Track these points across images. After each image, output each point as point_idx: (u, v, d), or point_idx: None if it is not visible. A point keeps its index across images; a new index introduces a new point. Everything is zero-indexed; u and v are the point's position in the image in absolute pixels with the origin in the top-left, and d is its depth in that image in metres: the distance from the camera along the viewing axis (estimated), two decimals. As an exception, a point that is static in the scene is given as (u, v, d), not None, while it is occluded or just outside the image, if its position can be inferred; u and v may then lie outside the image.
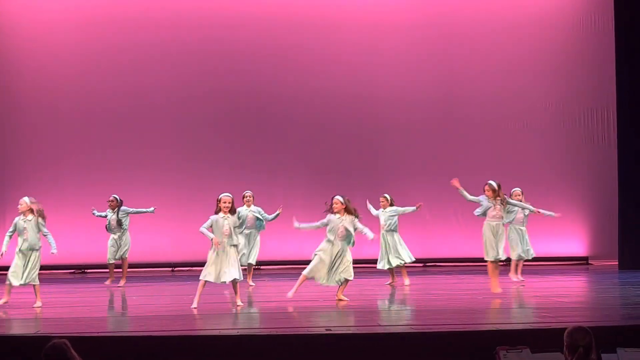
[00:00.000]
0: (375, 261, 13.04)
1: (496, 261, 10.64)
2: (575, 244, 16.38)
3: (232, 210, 9.74)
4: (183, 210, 15.09)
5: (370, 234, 10.00)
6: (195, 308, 9.45)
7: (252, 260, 12.51)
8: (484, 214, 10.65)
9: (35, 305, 9.84)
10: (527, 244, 12.58)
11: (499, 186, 10.69)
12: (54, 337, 4.70)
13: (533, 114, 16.47)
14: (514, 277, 12.35)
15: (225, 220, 9.61)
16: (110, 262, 12.81)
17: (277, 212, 12.48)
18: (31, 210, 10.17)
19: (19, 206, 10.31)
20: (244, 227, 12.19)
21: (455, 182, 10.67)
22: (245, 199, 12.47)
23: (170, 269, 15.66)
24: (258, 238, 12.55)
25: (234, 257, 9.74)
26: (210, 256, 9.62)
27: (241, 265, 12.23)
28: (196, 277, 10.00)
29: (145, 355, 6.90)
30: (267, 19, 16.10)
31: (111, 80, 15.82)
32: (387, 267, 12.40)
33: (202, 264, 10.00)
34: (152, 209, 12.96)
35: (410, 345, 7.11)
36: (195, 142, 15.97)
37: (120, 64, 15.88)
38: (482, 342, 6.70)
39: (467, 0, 16.57)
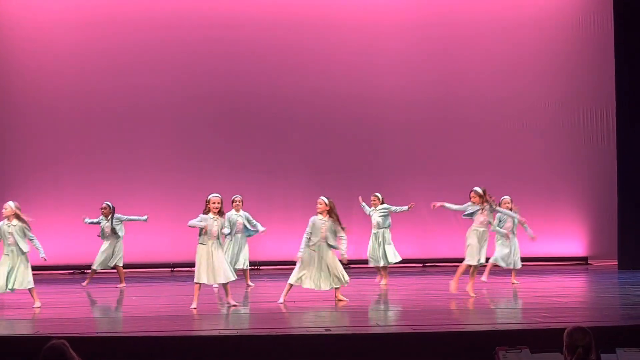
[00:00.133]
0: (368, 261, 13.07)
1: (477, 266, 10.56)
2: (574, 244, 16.38)
3: (221, 212, 9.70)
4: (183, 210, 15.01)
5: (343, 251, 9.91)
6: (194, 308, 9.45)
7: (245, 265, 12.46)
8: (472, 214, 10.58)
9: (34, 306, 9.83)
10: (516, 254, 12.44)
11: (484, 192, 10.64)
12: (53, 338, 4.69)
13: (533, 114, 16.47)
14: (484, 277, 12.19)
15: (214, 221, 9.59)
16: (97, 269, 12.65)
17: (262, 229, 12.42)
18: (16, 215, 10.00)
19: (4, 210, 10.01)
20: (233, 231, 12.18)
21: (435, 204, 10.65)
22: (234, 203, 12.40)
23: (170, 269, 15.66)
24: (246, 242, 12.50)
25: (223, 258, 9.75)
26: (200, 257, 9.56)
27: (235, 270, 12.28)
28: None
29: (145, 355, 6.90)
30: (267, 19, 16.09)
31: (111, 80, 15.81)
32: (388, 263, 12.40)
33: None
34: (145, 217, 12.84)
35: (409, 345, 7.11)
36: (194, 142, 15.96)
37: (119, 64, 15.87)
38: (482, 342, 6.70)
39: (467, 0, 16.57)
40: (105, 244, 12.62)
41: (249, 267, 12.55)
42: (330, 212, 9.94)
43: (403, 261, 15.39)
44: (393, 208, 12.52)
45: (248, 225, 12.46)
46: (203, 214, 9.60)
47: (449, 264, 16.09)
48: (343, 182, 15.93)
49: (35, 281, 13.83)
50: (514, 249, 12.33)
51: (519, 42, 16.46)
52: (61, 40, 15.80)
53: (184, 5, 16.07)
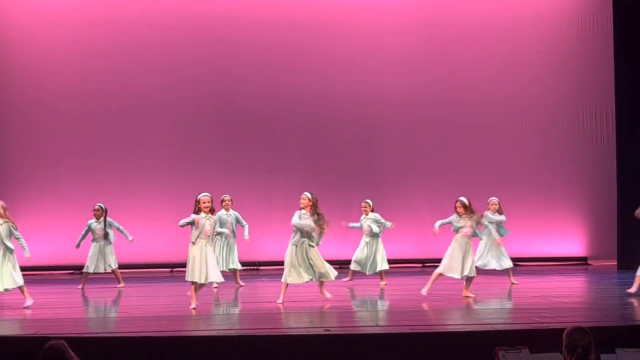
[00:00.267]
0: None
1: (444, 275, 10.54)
2: (574, 244, 16.38)
3: (212, 210, 9.73)
4: (182, 210, 14.96)
5: (319, 241, 9.99)
6: (194, 309, 9.45)
7: (236, 265, 12.46)
8: (458, 229, 10.55)
9: (25, 305, 9.82)
10: (503, 254, 12.40)
11: (469, 203, 10.63)
12: (53, 338, 4.69)
13: (532, 114, 16.47)
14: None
15: (207, 221, 9.60)
16: (89, 272, 12.54)
17: (246, 237, 12.46)
18: (2, 215, 10.01)
19: None
20: (224, 231, 12.16)
21: (435, 230, 10.64)
22: (224, 202, 12.37)
23: (169, 269, 15.66)
24: (235, 242, 12.49)
25: (214, 257, 9.78)
26: (194, 256, 9.56)
27: (226, 270, 12.29)
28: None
29: (145, 355, 6.90)
30: (266, 20, 16.08)
31: (111, 80, 15.80)
32: (375, 271, 12.45)
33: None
34: (131, 238, 12.77)
35: (409, 345, 7.11)
36: (194, 142, 15.96)
37: (119, 64, 15.86)
38: (481, 343, 6.71)
39: (467, 0, 16.57)
40: (95, 247, 12.52)
41: (240, 268, 12.55)
42: (314, 207, 9.94)
43: (403, 261, 15.46)
44: (380, 220, 12.49)
45: (240, 222, 12.49)
46: (194, 214, 9.61)
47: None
48: (343, 182, 15.94)
49: (35, 281, 13.90)
50: (501, 251, 12.30)
51: (518, 43, 16.46)
52: (61, 40, 15.79)
53: (183, 5, 16.06)
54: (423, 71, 16.34)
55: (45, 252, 15.06)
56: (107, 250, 12.55)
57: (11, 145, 15.68)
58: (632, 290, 10.37)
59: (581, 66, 16.48)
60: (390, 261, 15.13)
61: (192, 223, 9.54)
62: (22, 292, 9.99)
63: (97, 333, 7.76)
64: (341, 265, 12.88)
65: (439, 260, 16.48)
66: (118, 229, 12.70)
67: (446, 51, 16.36)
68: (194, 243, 9.57)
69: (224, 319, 9.14)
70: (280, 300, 9.92)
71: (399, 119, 16.23)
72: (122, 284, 12.63)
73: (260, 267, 15.37)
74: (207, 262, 9.56)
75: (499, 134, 16.43)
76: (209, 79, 16.01)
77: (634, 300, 10.04)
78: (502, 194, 16.20)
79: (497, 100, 16.39)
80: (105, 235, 12.51)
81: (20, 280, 9.97)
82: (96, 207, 12.66)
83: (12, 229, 10.05)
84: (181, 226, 9.62)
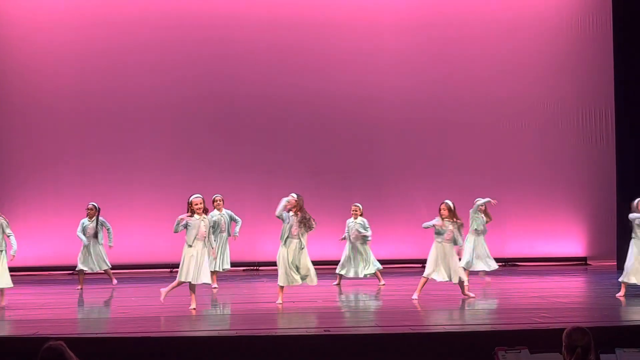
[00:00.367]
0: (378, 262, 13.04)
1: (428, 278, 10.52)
2: (573, 244, 16.38)
3: (206, 211, 9.76)
4: (182, 211, 15.01)
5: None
6: (194, 309, 9.45)
7: (227, 265, 12.44)
8: (440, 234, 10.53)
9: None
10: (487, 255, 12.37)
11: (454, 208, 10.61)
12: (51, 339, 4.69)
13: (532, 114, 16.47)
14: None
15: (202, 222, 9.60)
16: (84, 271, 12.53)
17: (236, 234, 12.44)
18: None
19: None
20: (218, 231, 12.15)
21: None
22: (215, 203, 12.33)
23: (169, 269, 15.64)
24: (228, 243, 12.46)
25: (207, 260, 9.79)
26: (190, 257, 9.54)
27: (220, 270, 12.27)
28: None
29: (144, 356, 6.90)
30: (266, 20, 16.08)
31: (111, 81, 15.79)
32: (361, 275, 12.44)
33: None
34: (111, 244, 12.69)
35: (408, 346, 7.11)
36: (194, 143, 15.95)
37: (119, 64, 15.85)
38: (481, 343, 6.70)
39: (467, 2, 16.57)
40: (89, 246, 12.50)
41: (229, 268, 12.53)
42: (299, 208, 9.94)
43: (402, 261, 15.46)
44: (367, 226, 12.48)
45: (234, 219, 12.49)
46: (188, 216, 9.61)
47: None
48: (343, 182, 15.94)
49: (35, 282, 13.91)
50: (486, 251, 12.27)
51: (518, 43, 16.45)
52: (60, 40, 15.78)
53: (183, 5, 16.05)
54: (423, 71, 16.34)
55: (44, 253, 15.06)
56: (97, 250, 12.54)
57: (11, 145, 15.67)
58: (621, 293, 10.38)
59: (581, 66, 16.48)
60: (390, 261, 15.18)
61: (185, 226, 9.54)
62: (2, 293, 10.04)
63: (96, 333, 7.76)
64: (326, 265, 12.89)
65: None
66: (108, 230, 12.69)
67: (446, 51, 16.36)
68: (191, 245, 9.55)
69: (224, 320, 9.13)
70: (279, 301, 9.92)
71: (398, 119, 16.23)
72: (114, 281, 12.66)
73: (260, 267, 15.36)
74: (202, 263, 9.56)
75: (499, 134, 16.42)
76: (209, 79, 16.00)
77: (632, 301, 10.04)
78: (501, 194, 16.23)
79: (497, 100, 16.39)
80: (95, 235, 12.50)
81: (7, 284, 10.01)
82: (90, 206, 12.66)
83: (4, 226, 10.07)
84: (176, 232, 9.63)
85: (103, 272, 12.81)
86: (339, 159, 16.13)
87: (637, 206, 10.54)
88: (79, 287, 12.42)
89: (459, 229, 10.55)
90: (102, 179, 15.52)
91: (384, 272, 12.78)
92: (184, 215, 9.58)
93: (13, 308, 10.02)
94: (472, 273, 12.35)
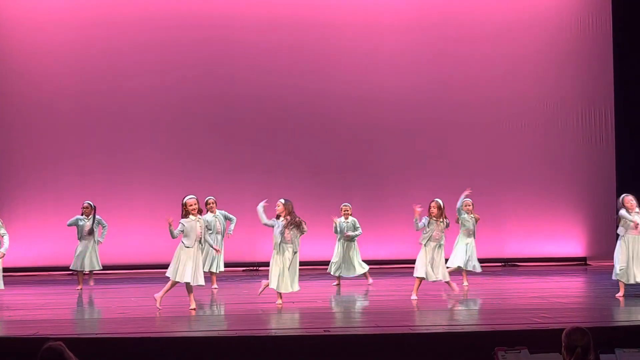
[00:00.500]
0: (378, 262, 13.05)
1: (421, 278, 10.51)
2: (573, 244, 16.38)
3: (200, 211, 9.77)
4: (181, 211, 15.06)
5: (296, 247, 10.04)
6: (193, 309, 9.45)
7: (221, 267, 12.42)
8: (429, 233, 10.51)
9: None
10: (473, 259, 12.34)
11: (444, 207, 10.61)
12: (52, 339, 4.69)
13: (532, 114, 16.47)
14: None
15: (197, 223, 9.60)
16: (79, 270, 12.50)
17: (230, 231, 12.44)
18: None
19: None
20: (214, 233, 12.15)
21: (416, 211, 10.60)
22: (208, 206, 12.30)
23: (169, 270, 15.64)
24: (222, 243, 12.44)
25: (201, 261, 9.79)
26: (186, 258, 9.51)
27: (215, 272, 12.26)
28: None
29: (144, 356, 6.90)
30: (266, 20, 16.08)
31: (110, 81, 15.78)
32: (352, 275, 12.47)
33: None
34: (102, 240, 12.66)
35: (408, 346, 7.11)
36: (194, 143, 15.95)
37: (119, 65, 15.85)
38: (481, 343, 6.70)
39: (467, 1, 16.57)
40: (82, 245, 12.49)
41: (222, 270, 12.50)
42: (289, 213, 9.92)
43: (402, 261, 15.45)
44: (357, 226, 12.51)
45: (229, 218, 12.49)
46: (182, 217, 9.59)
47: (447, 265, 16.12)
48: (343, 182, 15.94)
49: (34, 282, 13.91)
50: (473, 252, 12.24)
51: (518, 43, 16.46)
52: (60, 40, 15.78)
53: (183, 6, 16.05)
54: (423, 71, 16.35)
55: (44, 253, 15.07)
56: (94, 250, 12.53)
57: (11, 146, 15.67)
58: (620, 293, 10.37)
59: (581, 66, 16.49)
60: (389, 261, 15.19)
61: (182, 229, 9.53)
62: None
63: (96, 334, 7.75)
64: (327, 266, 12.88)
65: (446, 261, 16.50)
66: (103, 227, 12.68)
67: (446, 51, 16.36)
68: (187, 246, 9.53)
69: (224, 320, 9.13)
70: (279, 302, 9.92)
71: (399, 119, 16.23)
72: (91, 283, 12.59)
73: (260, 268, 15.35)
74: (198, 265, 9.56)
75: (498, 134, 16.43)
76: (208, 79, 16.00)
77: (631, 301, 10.04)
78: (501, 194, 16.27)
79: (497, 101, 16.39)
80: (90, 232, 12.48)
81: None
82: (85, 204, 12.65)
83: None
84: (175, 238, 9.62)
85: (88, 272, 12.74)
86: (339, 159, 16.13)
87: (622, 202, 10.51)
88: (79, 287, 12.42)
89: (445, 227, 10.56)
90: (102, 179, 15.52)
91: (383, 272, 12.79)
92: (186, 226, 9.52)
93: (13, 308, 10.02)
94: (469, 273, 12.31)
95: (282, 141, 16.10)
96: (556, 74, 16.48)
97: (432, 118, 16.30)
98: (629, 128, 15.60)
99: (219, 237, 12.29)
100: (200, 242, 9.63)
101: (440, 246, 10.55)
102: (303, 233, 10.00)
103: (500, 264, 16.08)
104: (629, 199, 10.47)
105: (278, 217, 9.99)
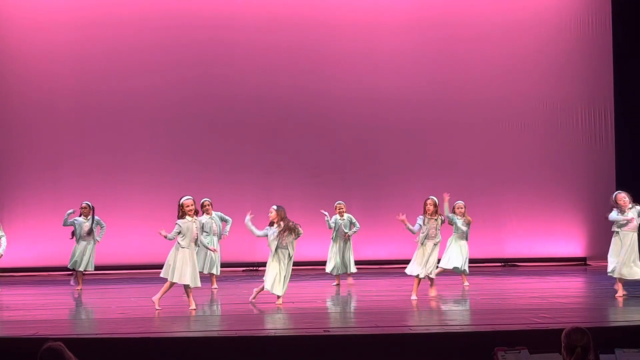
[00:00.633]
0: (377, 262, 12.99)
1: (420, 277, 10.51)
2: (573, 244, 16.38)
3: (197, 212, 9.78)
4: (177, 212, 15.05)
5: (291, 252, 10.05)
6: (194, 309, 9.45)
7: (218, 269, 12.41)
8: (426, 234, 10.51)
9: None
10: (467, 261, 12.33)
11: (438, 203, 10.62)
12: (51, 339, 4.68)
13: (532, 114, 16.48)
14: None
15: (193, 224, 9.60)
16: (78, 270, 12.48)
17: (226, 232, 12.44)
18: None
19: None
20: (211, 234, 12.14)
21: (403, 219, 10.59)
22: (204, 207, 12.28)
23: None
24: (219, 245, 12.42)
25: (196, 262, 9.80)
26: (183, 260, 9.49)
27: (216, 273, 12.25)
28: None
29: (143, 357, 6.89)
30: (265, 20, 16.09)
31: (110, 81, 15.79)
32: (341, 272, 12.47)
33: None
34: (99, 239, 12.63)
35: (408, 346, 7.11)
36: (193, 143, 15.95)
37: (118, 65, 15.85)
38: (481, 343, 6.70)
39: (467, 2, 16.57)
40: (81, 245, 12.47)
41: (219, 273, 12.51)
42: (282, 218, 9.92)
43: (402, 262, 15.44)
44: (354, 221, 12.56)
45: (224, 219, 12.48)
46: (178, 218, 9.59)
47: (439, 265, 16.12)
48: (342, 182, 15.94)
49: (34, 282, 13.90)
50: (465, 255, 12.23)
51: (518, 43, 16.46)
52: (59, 41, 15.78)
53: (182, 6, 16.05)
54: (423, 72, 16.35)
55: (44, 253, 15.06)
56: (92, 250, 12.51)
57: (10, 146, 15.67)
58: (619, 293, 10.37)
59: (581, 66, 16.49)
60: (389, 262, 15.19)
61: (179, 231, 9.53)
62: None
63: (95, 334, 7.75)
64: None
65: (438, 261, 16.51)
66: (102, 227, 12.66)
67: (446, 52, 16.37)
68: (183, 247, 9.53)
69: (223, 320, 9.13)
70: (279, 302, 9.93)
71: (398, 119, 16.23)
72: (78, 286, 12.56)
73: (260, 268, 15.35)
74: (193, 265, 9.57)
75: (498, 134, 16.43)
76: (208, 79, 16.01)
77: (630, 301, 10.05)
78: (501, 194, 16.27)
79: (497, 101, 16.40)
80: (90, 232, 12.47)
81: None
82: (83, 205, 12.64)
83: None
84: (173, 239, 9.60)
85: (85, 272, 12.72)
86: (339, 159, 16.14)
87: (615, 199, 10.52)
88: (79, 287, 12.42)
89: (440, 224, 10.58)
90: (102, 179, 15.52)
91: (383, 273, 12.80)
92: (182, 227, 9.52)
93: (13, 309, 10.01)
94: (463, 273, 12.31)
95: (282, 141, 16.10)
96: (556, 74, 16.48)
97: (432, 118, 16.30)
98: (629, 128, 15.59)
99: (215, 238, 12.28)
100: (195, 243, 9.63)
101: (436, 244, 10.55)
102: (298, 236, 10.01)
103: (500, 264, 16.09)
104: (621, 196, 10.51)
105: (272, 223, 9.97)
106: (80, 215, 12.57)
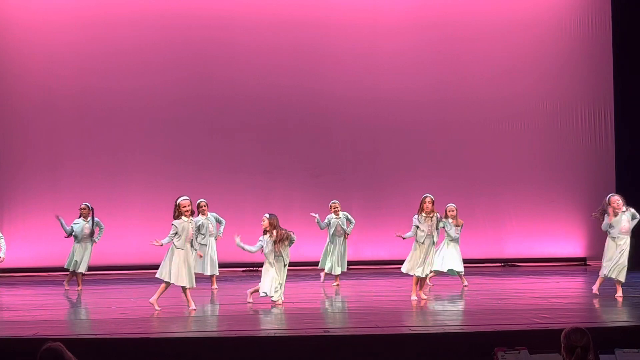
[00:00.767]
0: (377, 262, 12.93)
1: (420, 276, 10.51)
2: (573, 245, 16.38)
3: (193, 213, 9.78)
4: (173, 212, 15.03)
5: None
6: (193, 310, 9.45)
7: (216, 269, 12.40)
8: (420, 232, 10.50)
9: None
10: (460, 262, 12.31)
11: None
12: (51, 340, 4.68)
13: (531, 115, 16.48)
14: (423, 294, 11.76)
15: (189, 224, 9.60)
16: (78, 271, 12.47)
17: (220, 234, 12.44)
18: None
19: None
20: (207, 235, 12.14)
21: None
22: (200, 208, 12.26)
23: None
24: (214, 246, 12.41)
25: (193, 263, 9.80)
26: (179, 261, 9.50)
27: (215, 274, 12.26)
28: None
29: (144, 357, 6.89)
30: (265, 21, 16.08)
31: (110, 82, 15.78)
32: (339, 272, 12.48)
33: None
34: (97, 240, 12.63)
35: (408, 346, 7.10)
36: (193, 143, 15.95)
37: (118, 65, 15.85)
38: (481, 343, 6.70)
39: (467, 2, 16.57)
40: (80, 246, 12.44)
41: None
42: (274, 227, 9.91)
43: (402, 262, 15.43)
44: (350, 217, 12.62)
45: (219, 221, 12.49)
46: (174, 218, 9.58)
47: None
48: (343, 182, 15.93)
49: (34, 283, 13.90)
50: (459, 255, 12.22)
51: (518, 44, 16.46)
52: (58, 41, 15.78)
53: (182, 6, 16.05)
54: (423, 72, 16.35)
55: (43, 253, 15.05)
56: (89, 252, 12.49)
57: (10, 146, 15.67)
58: (619, 293, 10.37)
59: (581, 66, 16.49)
60: (389, 262, 15.18)
61: (175, 233, 9.52)
62: None
63: (95, 334, 7.75)
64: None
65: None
66: (100, 228, 12.65)
67: (446, 52, 16.37)
68: (180, 248, 9.52)
69: (223, 320, 9.13)
70: (279, 302, 9.93)
71: (398, 119, 16.24)
72: (67, 287, 12.53)
73: (259, 268, 15.34)
74: (190, 266, 9.57)
75: (499, 134, 16.44)
76: (208, 79, 16.01)
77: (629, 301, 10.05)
78: (501, 194, 16.26)
79: (497, 101, 16.40)
80: (91, 234, 12.47)
81: None
82: (83, 206, 12.62)
83: None
84: (167, 243, 9.57)
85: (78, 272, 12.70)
86: (339, 160, 16.14)
87: (609, 202, 10.53)
88: (79, 288, 12.42)
89: (438, 223, 10.58)
90: (101, 180, 15.52)
91: (383, 273, 12.80)
92: (178, 229, 9.52)
93: (12, 309, 10.01)
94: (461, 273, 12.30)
95: (282, 142, 16.10)
96: (556, 74, 16.48)
97: (432, 118, 16.30)
98: (629, 128, 15.58)
99: (212, 239, 12.28)
100: (191, 243, 9.64)
101: (433, 243, 10.55)
102: (292, 243, 10.02)
103: (500, 264, 16.08)
104: (615, 199, 10.54)
105: (265, 232, 9.97)
106: (79, 217, 12.56)
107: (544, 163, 16.42)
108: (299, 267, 13.82)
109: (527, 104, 16.44)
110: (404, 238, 10.59)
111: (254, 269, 15.42)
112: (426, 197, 10.59)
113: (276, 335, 7.55)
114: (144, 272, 15.26)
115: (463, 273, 12.18)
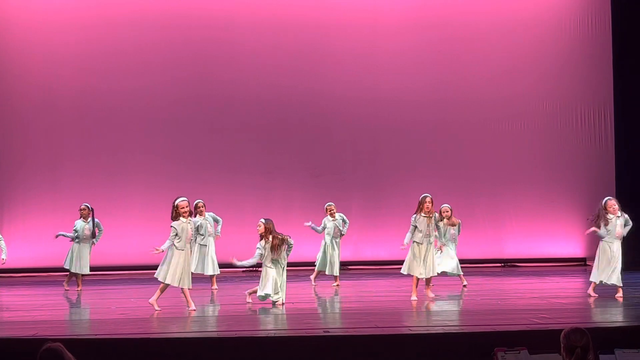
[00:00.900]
0: (377, 262, 12.90)
1: (420, 277, 10.52)
2: (572, 245, 16.37)
3: (191, 213, 9.78)
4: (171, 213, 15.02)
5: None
6: (193, 310, 9.45)
7: (217, 269, 12.39)
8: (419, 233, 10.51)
9: None
10: (454, 263, 12.29)
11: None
12: (51, 340, 4.68)
13: (531, 115, 16.47)
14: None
15: (188, 225, 9.60)
16: (78, 272, 12.46)
17: (218, 233, 12.44)
18: None
19: None
20: (206, 235, 12.14)
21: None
22: (197, 209, 12.25)
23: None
24: (213, 246, 12.40)
25: (191, 263, 9.82)
26: (178, 261, 9.50)
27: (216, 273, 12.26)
28: (194, 279, 10.02)
29: (143, 357, 6.89)
30: (265, 21, 16.08)
31: (109, 82, 15.78)
32: (336, 273, 12.51)
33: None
34: (96, 242, 12.64)
35: (408, 346, 7.10)
36: (192, 144, 15.94)
37: (118, 66, 15.84)
38: (480, 343, 6.70)
39: (467, 2, 16.57)
40: (80, 247, 12.43)
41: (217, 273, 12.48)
42: (270, 232, 9.91)
43: (401, 262, 15.43)
44: (345, 219, 12.68)
45: (216, 220, 12.48)
46: (173, 219, 9.57)
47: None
48: (343, 182, 15.93)
49: (34, 283, 13.90)
50: (454, 256, 12.20)
51: (518, 44, 16.46)
52: (58, 41, 15.77)
53: (182, 7, 16.04)
54: (423, 72, 16.35)
55: (43, 254, 15.04)
56: (86, 253, 12.48)
57: (10, 147, 15.67)
58: (619, 293, 10.40)
59: (581, 66, 16.48)
60: (389, 262, 15.17)
61: (175, 234, 9.52)
62: None
63: (95, 335, 7.75)
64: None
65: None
66: (100, 230, 12.65)
67: (446, 52, 16.37)
68: (180, 249, 9.52)
69: (223, 321, 9.13)
70: (279, 303, 9.94)
71: (398, 119, 16.24)
72: (66, 289, 12.52)
73: (259, 269, 15.33)
74: (188, 267, 9.58)
75: (498, 134, 16.43)
76: (208, 80, 16.00)
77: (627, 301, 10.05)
78: (501, 194, 16.26)
79: (497, 101, 16.40)
80: (93, 235, 12.47)
81: None
82: (82, 207, 12.62)
83: None
84: (169, 247, 9.56)
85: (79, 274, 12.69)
86: (339, 160, 16.13)
87: (605, 206, 10.55)
88: (78, 288, 12.42)
89: (436, 223, 10.58)
90: (101, 180, 15.51)
91: (383, 273, 12.80)
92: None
93: (12, 309, 10.01)
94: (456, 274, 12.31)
95: (282, 142, 16.10)
96: (556, 74, 16.48)
97: (432, 118, 16.30)
98: (629, 128, 15.57)
99: (211, 238, 12.29)
100: (190, 244, 9.64)
101: (431, 243, 10.56)
102: (291, 248, 10.03)
103: (499, 265, 16.08)
104: (611, 203, 10.56)
105: (261, 237, 9.97)
106: (80, 218, 12.56)
107: (544, 163, 16.42)
108: (299, 268, 13.81)
109: (527, 104, 16.44)
110: (405, 245, 10.61)
111: (254, 269, 15.41)
112: (426, 196, 10.60)
113: (276, 335, 7.55)
114: (144, 272, 15.25)
115: (461, 272, 12.18)
